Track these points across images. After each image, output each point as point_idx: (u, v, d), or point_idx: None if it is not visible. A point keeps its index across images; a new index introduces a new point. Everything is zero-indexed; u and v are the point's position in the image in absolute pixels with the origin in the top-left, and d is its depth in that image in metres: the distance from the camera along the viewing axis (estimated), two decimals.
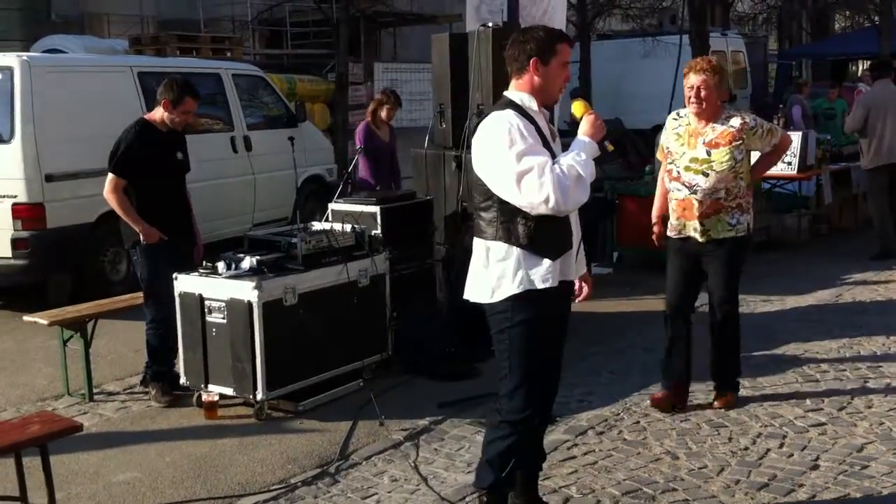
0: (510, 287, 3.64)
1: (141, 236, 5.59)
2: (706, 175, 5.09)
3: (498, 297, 3.67)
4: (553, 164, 3.51)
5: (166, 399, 5.67)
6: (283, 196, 9.75)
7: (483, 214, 3.71)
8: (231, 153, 9.69)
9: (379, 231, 6.25)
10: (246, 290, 5.21)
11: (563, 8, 9.76)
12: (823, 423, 5.09)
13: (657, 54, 16.73)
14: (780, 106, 12.92)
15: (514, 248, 3.62)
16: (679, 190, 5.20)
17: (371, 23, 19.68)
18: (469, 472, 4.58)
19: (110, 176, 5.60)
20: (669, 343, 5.37)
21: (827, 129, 12.87)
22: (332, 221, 6.30)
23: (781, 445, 4.82)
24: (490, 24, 6.75)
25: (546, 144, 3.64)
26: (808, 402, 5.43)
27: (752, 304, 7.91)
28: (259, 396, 5.26)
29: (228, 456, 4.90)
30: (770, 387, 5.72)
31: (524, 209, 3.56)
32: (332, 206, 6.68)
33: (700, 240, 5.20)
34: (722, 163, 5.07)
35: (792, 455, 4.69)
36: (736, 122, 5.12)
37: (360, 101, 15.32)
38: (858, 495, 4.24)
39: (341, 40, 14.61)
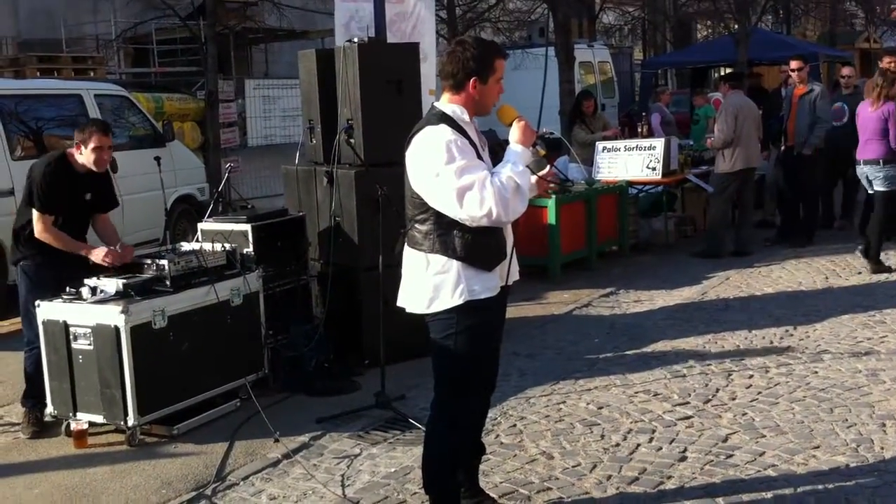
0: (450, 299, 3.71)
1: (97, 255, 5.42)
2: None
3: (436, 308, 3.75)
4: (492, 177, 3.59)
5: (31, 430, 5.47)
6: (152, 217, 9.53)
7: (419, 227, 3.77)
8: None
9: (251, 249, 6.19)
10: (112, 315, 5.08)
11: (431, 23, 9.89)
12: (690, 416, 5.29)
13: (527, 66, 17.06)
14: (644, 114, 13.32)
15: (453, 260, 3.69)
16: None
17: (241, 39, 19.48)
18: (349, 486, 4.59)
19: (37, 215, 5.40)
20: None
21: (694, 134, 13.35)
22: (202, 241, 6.20)
23: (651, 440, 4.98)
24: (356, 40, 6.77)
25: (479, 156, 3.71)
26: (675, 396, 5.63)
27: (625, 304, 8.17)
28: (130, 422, 5.13)
29: (100, 484, 4.76)
30: (640, 384, 5.91)
31: (464, 222, 3.63)
32: (202, 225, 6.57)
33: None
34: None
35: (661, 448, 4.86)
36: None
37: (232, 119, 15.11)
38: (724, 483, 4.42)
39: (209, 58, 14.38)
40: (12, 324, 6.12)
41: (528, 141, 3.75)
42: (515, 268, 3.98)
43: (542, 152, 3.87)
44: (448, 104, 3.79)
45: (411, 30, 9.23)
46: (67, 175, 5.55)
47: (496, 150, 4.04)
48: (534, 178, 4.08)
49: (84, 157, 5.52)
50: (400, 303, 3.93)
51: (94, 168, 5.55)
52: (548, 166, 4.24)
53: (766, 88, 14.00)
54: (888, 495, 4.20)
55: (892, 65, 10.00)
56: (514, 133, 3.77)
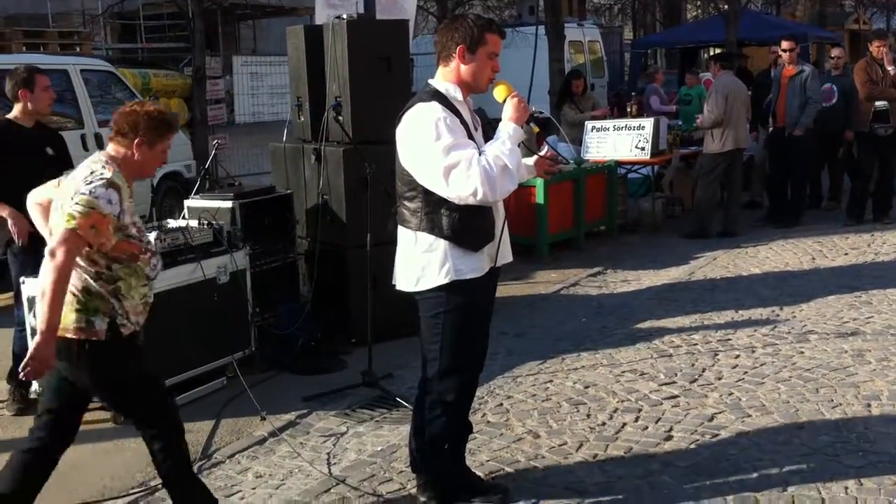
0: (437, 278, 3.70)
1: (15, 235, 5.35)
2: None
3: (423, 286, 3.74)
4: (480, 156, 3.53)
5: (16, 407, 5.45)
6: (138, 194, 9.30)
7: (407, 204, 3.75)
8: (82, 151, 9.33)
9: (238, 226, 6.15)
10: None
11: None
12: (676, 396, 5.30)
13: (517, 45, 16.91)
14: (633, 94, 13.27)
15: (440, 239, 3.67)
16: None
17: (229, 15, 19.32)
18: (335, 464, 4.59)
19: None
20: None
21: (685, 114, 13.29)
22: (188, 218, 6.17)
23: (637, 419, 5.00)
24: (345, 16, 6.71)
25: (470, 136, 3.66)
26: (662, 375, 5.65)
27: (612, 284, 8.18)
28: None
29: (86, 461, 4.74)
30: (627, 363, 5.92)
31: (451, 200, 3.60)
32: (189, 202, 6.53)
33: None
34: None
35: (647, 428, 4.87)
36: None
37: (219, 96, 14.99)
38: (709, 463, 4.43)
39: (197, 34, 14.24)
40: None
41: (521, 118, 3.67)
42: (507, 249, 3.94)
43: (536, 129, 3.82)
44: (442, 82, 3.74)
45: (392, 4, 9.17)
46: (18, 135, 5.52)
47: (486, 130, 3.99)
48: (533, 159, 4.04)
49: (33, 102, 5.51)
50: (394, 280, 3.92)
51: (40, 112, 5.56)
52: (545, 147, 4.19)
53: (750, 71, 13.93)
54: (873, 475, 4.22)
55: (881, 49, 9.98)
56: (508, 110, 3.68)
